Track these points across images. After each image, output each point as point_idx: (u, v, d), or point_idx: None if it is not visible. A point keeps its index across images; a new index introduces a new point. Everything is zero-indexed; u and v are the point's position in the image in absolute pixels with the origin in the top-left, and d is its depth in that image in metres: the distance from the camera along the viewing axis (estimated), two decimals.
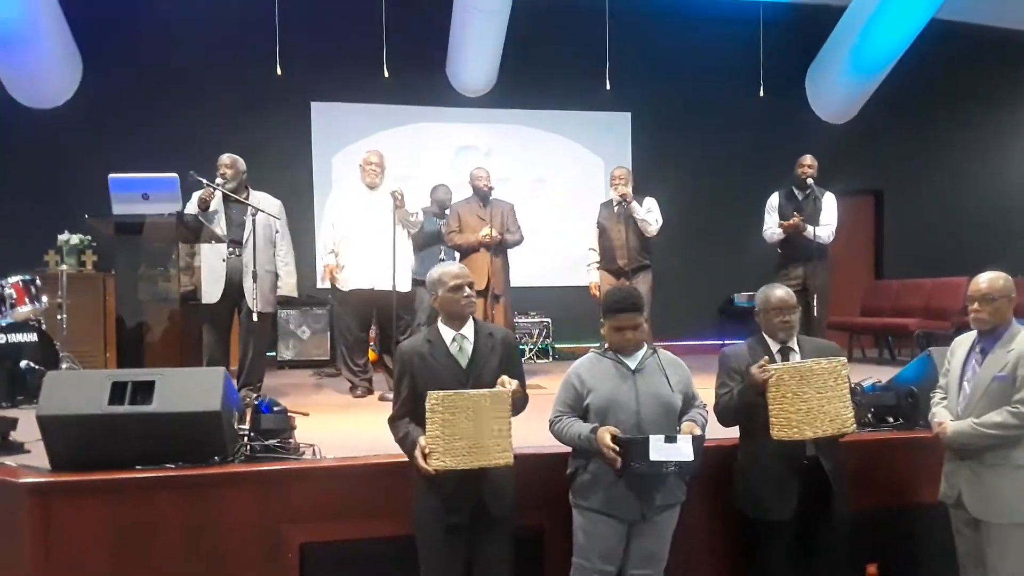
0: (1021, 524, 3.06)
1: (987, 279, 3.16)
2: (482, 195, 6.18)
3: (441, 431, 2.74)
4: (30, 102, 7.68)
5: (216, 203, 5.22)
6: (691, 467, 2.84)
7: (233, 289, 5.22)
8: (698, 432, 2.91)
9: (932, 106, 9.68)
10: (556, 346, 8.46)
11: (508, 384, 2.83)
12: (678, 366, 3.12)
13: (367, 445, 3.56)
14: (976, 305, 3.15)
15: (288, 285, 5.47)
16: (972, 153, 9.97)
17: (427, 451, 2.76)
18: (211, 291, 5.21)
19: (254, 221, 5.02)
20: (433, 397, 2.75)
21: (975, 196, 9.89)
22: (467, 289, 2.97)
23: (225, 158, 5.32)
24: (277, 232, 5.38)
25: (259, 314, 5.13)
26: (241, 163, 5.36)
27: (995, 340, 3.16)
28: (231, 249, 5.21)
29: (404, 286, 5.57)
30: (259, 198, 5.35)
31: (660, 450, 2.78)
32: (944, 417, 3.23)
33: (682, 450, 2.79)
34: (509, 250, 6.30)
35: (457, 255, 6.25)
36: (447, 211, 6.52)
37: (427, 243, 6.50)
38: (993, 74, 9.89)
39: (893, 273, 9.42)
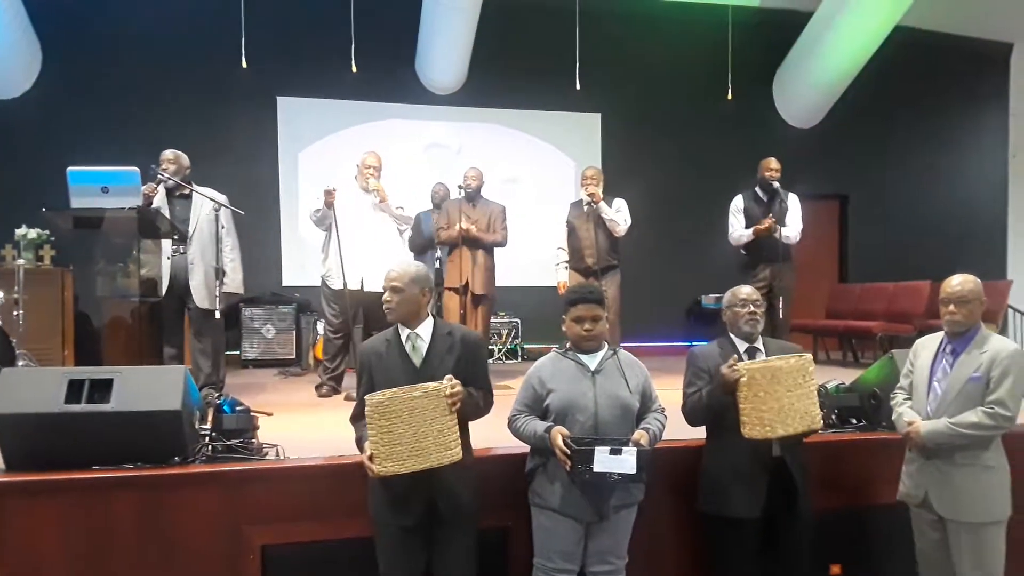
0: (989, 523, 3.13)
1: (960, 282, 3.21)
2: (465, 193, 6.17)
3: (379, 436, 2.71)
4: None
5: (159, 199, 5.13)
6: (637, 478, 2.84)
7: (178, 286, 5.15)
8: (647, 441, 2.90)
9: (896, 112, 9.85)
10: (525, 346, 8.45)
11: (448, 381, 2.78)
12: (637, 367, 3.13)
13: (331, 445, 3.51)
14: (952, 307, 3.20)
15: (234, 282, 5.39)
16: (935, 159, 10.17)
17: (369, 455, 2.75)
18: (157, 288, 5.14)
19: (216, 216, 4.94)
20: (369, 403, 2.72)
21: (938, 202, 10.08)
22: (387, 292, 2.95)
23: (168, 153, 5.25)
24: (223, 227, 5.27)
25: (206, 311, 5.08)
26: (185, 159, 5.30)
27: (966, 342, 3.21)
28: (175, 246, 5.13)
29: None
30: (205, 192, 5.25)
31: (603, 462, 2.78)
32: (913, 417, 3.27)
33: (625, 463, 2.79)
34: (496, 250, 6.27)
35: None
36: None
37: (425, 247, 6.53)
38: (956, 81, 10.10)
39: (857, 277, 9.57)
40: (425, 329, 2.98)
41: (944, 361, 3.26)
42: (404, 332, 2.97)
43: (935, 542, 3.25)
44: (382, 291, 2.93)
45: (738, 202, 6.46)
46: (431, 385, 2.76)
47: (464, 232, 5.92)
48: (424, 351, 2.94)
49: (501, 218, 6.24)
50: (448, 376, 2.80)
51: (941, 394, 3.22)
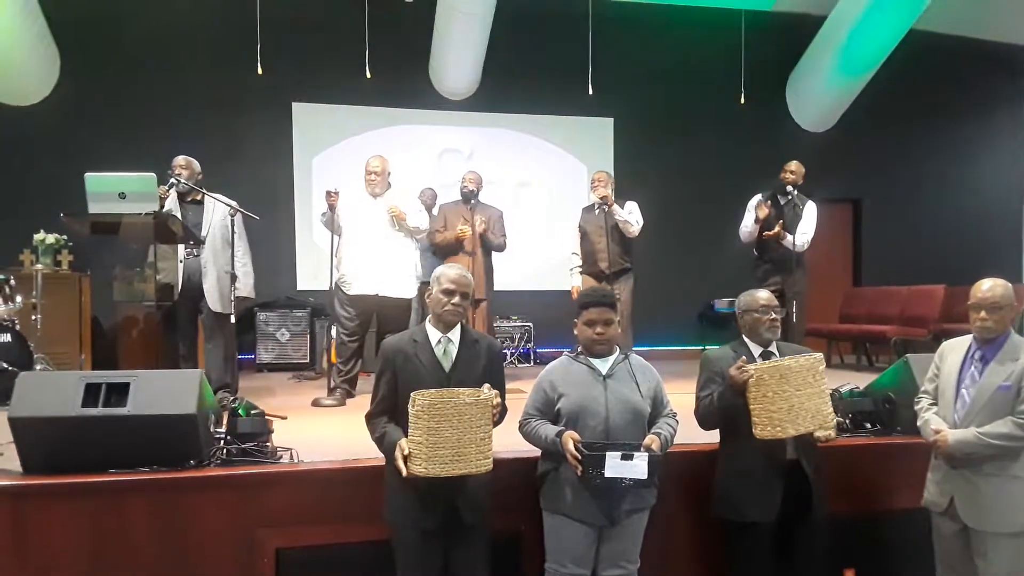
0: (1014, 534, 3.04)
1: (991, 287, 3.11)
2: (463, 196, 6.20)
3: (425, 438, 2.67)
4: (6, 98, 7.58)
5: (171, 204, 5.16)
6: (649, 483, 2.85)
7: (191, 288, 5.17)
8: (658, 446, 2.90)
9: (910, 115, 9.78)
10: (537, 350, 8.46)
11: (490, 391, 2.78)
12: (648, 372, 3.12)
13: (345, 449, 3.53)
14: (983, 313, 3.10)
15: (246, 286, 5.42)
16: (949, 163, 10.10)
17: (407, 453, 2.70)
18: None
19: (231, 221, 4.99)
20: (419, 402, 2.68)
21: (951, 205, 10.01)
22: (457, 297, 2.92)
23: (180, 159, 5.30)
24: (235, 233, 5.31)
25: (218, 314, 5.12)
26: (196, 165, 5.34)
27: (996, 348, 3.12)
28: (189, 250, 5.17)
29: (409, 292, 5.63)
30: (217, 198, 5.29)
31: (615, 467, 2.79)
32: (940, 425, 3.17)
33: (636, 468, 2.79)
34: (493, 254, 6.30)
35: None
36: (434, 211, 6.58)
37: None
38: (970, 84, 10.03)
39: (871, 281, 9.52)
40: (456, 334, 2.97)
41: (973, 368, 3.16)
42: (435, 335, 2.95)
43: (957, 551, 3.18)
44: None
45: (755, 201, 6.43)
46: (483, 393, 2.75)
47: (482, 232, 5.99)
48: (454, 356, 2.94)
49: (500, 223, 6.30)
50: (486, 385, 2.80)
51: (969, 402, 3.13)
